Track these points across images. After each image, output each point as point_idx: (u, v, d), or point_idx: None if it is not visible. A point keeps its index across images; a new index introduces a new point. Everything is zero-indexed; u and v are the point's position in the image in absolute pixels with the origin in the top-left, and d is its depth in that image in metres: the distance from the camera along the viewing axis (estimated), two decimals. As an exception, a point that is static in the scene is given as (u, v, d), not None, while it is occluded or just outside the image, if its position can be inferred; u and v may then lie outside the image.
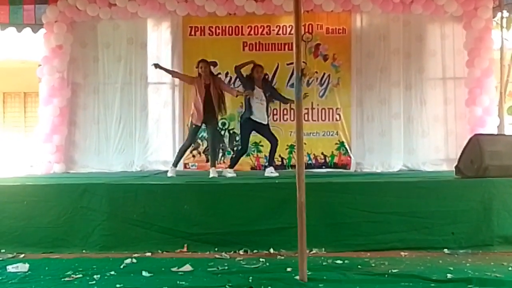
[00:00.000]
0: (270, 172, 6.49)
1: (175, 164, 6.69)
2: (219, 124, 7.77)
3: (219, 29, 7.95)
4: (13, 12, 7.71)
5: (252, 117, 6.55)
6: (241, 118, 6.82)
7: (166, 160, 7.87)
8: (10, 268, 4.09)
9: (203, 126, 6.73)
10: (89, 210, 4.88)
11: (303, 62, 7.34)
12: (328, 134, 7.93)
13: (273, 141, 6.69)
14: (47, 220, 4.87)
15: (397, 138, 7.85)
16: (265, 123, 6.67)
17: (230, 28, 7.95)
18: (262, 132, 6.77)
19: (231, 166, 6.70)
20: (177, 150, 7.70)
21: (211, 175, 6.35)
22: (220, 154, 7.89)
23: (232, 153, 7.88)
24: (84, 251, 4.76)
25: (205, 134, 7.73)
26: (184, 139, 7.54)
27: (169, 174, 6.49)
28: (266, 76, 7.42)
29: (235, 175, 6.47)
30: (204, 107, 6.45)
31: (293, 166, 7.32)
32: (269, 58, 7.72)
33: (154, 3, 7.58)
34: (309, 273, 3.71)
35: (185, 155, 7.24)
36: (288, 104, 7.50)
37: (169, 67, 7.56)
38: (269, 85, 7.18)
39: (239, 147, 6.96)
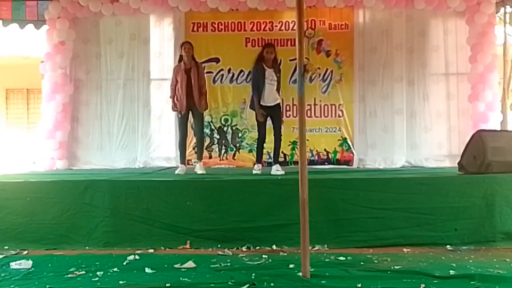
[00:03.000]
0: (275, 170, 6.14)
1: (183, 161, 6.43)
2: (222, 120, 7.82)
3: (221, 25, 7.91)
4: (15, 8, 7.70)
5: (262, 102, 6.11)
6: (251, 104, 6.30)
7: (168, 157, 7.88)
8: (13, 265, 4.11)
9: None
10: (92, 207, 4.90)
11: (306, 58, 7.29)
12: (330, 130, 7.88)
13: (277, 137, 6.25)
14: (50, 216, 4.89)
15: (399, 134, 7.82)
16: (275, 103, 6.19)
17: (233, 24, 7.92)
18: (272, 118, 6.27)
19: (258, 160, 6.30)
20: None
21: (199, 172, 6.21)
22: (223, 151, 7.89)
23: (234, 149, 7.88)
24: (87, 247, 4.79)
25: (207, 131, 7.74)
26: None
27: (177, 172, 6.23)
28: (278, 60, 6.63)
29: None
30: (186, 93, 6.14)
31: (295, 163, 7.32)
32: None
33: (157, -1, 7.59)
34: (312, 269, 3.72)
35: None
36: (291, 100, 7.48)
37: (171, 63, 7.57)
38: (278, 67, 6.45)
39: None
